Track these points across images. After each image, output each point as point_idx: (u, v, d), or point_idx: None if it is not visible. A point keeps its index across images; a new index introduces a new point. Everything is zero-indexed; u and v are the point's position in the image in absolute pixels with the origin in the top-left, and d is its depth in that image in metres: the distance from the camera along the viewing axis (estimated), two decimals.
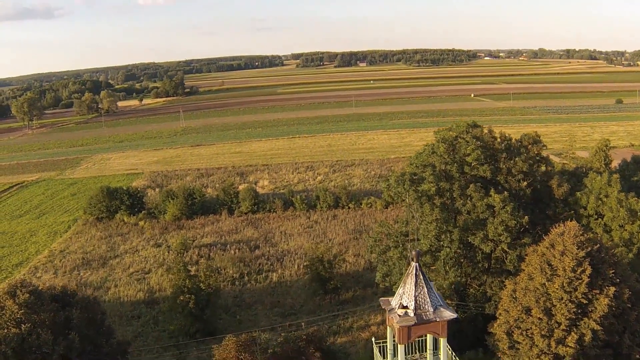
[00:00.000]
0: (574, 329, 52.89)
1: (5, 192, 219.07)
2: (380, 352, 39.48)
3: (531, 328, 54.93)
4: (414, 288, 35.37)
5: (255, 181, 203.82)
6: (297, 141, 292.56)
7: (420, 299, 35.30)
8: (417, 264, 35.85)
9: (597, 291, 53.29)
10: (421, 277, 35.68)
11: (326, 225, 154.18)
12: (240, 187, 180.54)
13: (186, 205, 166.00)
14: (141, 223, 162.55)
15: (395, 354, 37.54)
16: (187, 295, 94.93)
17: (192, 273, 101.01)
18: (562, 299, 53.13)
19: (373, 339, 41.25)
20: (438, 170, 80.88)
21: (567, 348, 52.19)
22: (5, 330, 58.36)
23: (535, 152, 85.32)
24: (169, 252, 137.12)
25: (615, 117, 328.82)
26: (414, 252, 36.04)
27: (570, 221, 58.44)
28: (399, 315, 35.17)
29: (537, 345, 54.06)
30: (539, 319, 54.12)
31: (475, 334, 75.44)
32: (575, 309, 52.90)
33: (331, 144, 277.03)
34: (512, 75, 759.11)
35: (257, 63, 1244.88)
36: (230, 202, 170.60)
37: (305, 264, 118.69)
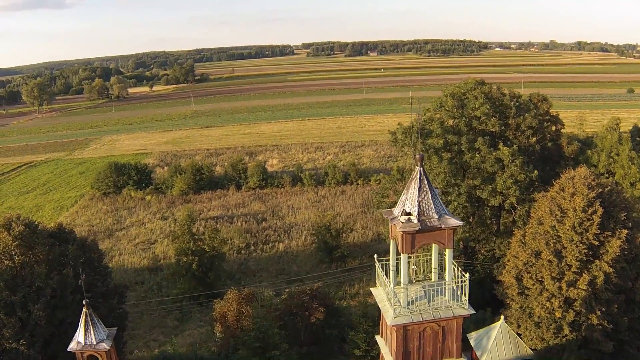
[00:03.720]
0: (586, 272, 51.29)
1: (14, 171, 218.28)
2: (382, 269, 37.96)
3: (541, 271, 53.41)
4: (417, 193, 33.61)
5: (264, 160, 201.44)
6: (307, 123, 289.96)
7: (424, 205, 33.57)
8: (421, 168, 34.01)
9: (609, 233, 51.70)
10: (425, 182, 33.83)
11: (334, 200, 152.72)
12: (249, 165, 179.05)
13: (194, 181, 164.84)
14: (148, 197, 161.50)
15: (398, 270, 36.11)
16: (190, 257, 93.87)
17: (196, 236, 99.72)
18: (572, 240, 51.56)
19: (375, 256, 39.65)
20: (446, 124, 79.29)
21: (579, 290, 50.62)
22: None
23: (545, 110, 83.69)
24: (175, 224, 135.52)
25: (626, 105, 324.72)
26: (417, 156, 34.38)
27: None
28: (402, 222, 33.64)
29: (547, 289, 52.52)
30: (549, 261, 52.59)
31: (484, 296, 73.93)
32: (586, 251, 51.31)
33: (341, 126, 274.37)
34: (523, 65, 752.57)
35: (267, 52, 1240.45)
36: (238, 177, 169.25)
37: (312, 232, 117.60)
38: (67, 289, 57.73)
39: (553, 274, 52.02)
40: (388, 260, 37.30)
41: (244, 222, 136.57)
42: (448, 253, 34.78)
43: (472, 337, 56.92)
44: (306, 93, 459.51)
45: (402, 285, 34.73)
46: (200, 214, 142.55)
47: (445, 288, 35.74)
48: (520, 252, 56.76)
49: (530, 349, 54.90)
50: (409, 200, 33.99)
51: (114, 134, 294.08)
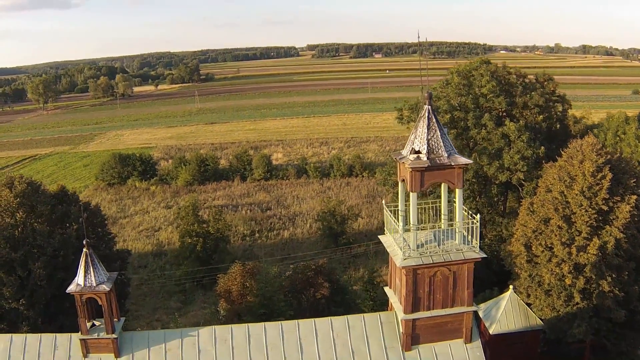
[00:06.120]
0: (596, 237, 50.42)
1: (18, 164, 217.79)
2: (391, 214, 37.03)
3: (550, 238, 52.57)
4: (426, 131, 32.85)
5: (269, 154, 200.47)
6: (312, 120, 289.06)
7: (433, 143, 32.82)
8: (429, 106, 33.44)
9: (618, 198, 50.91)
10: (434, 120, 33.15)
11: (339, 191, 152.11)
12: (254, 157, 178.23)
13: (198, 172, 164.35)
14: (152, 188, 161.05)
15: (407, 217, 35.25)
16: (195, 239, 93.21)
17: (200, 219, 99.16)
18: (581, 205, 50.75)
19: (383, 202, 38.79)
20: (452, 102, 78.41)
21: (589, 255, 49.73)
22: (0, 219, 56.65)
23: (551, 89, 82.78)
24: (179, 209, 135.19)
25: (632, 106, 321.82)
26: (426, 94, 33.70)
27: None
28: (411, 160, 32.83)
29: (556, 255, 51.67)
30: (559, 227, 51.73)
31: (490, 277, 73.11)
32: (595, 216, 50.51)
33: (346, 123, 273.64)
34: (528, 68, 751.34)
35: (272, 54, 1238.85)
36: (243, 169, 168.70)
37: (316, 219, 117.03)
38: (69, 249, 57.14)
39: (563, 240, 51.18)
40: (397, 206, 36.42)
41: (248, 211, 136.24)
42: (458, 194, 34.08)
43: (481, 308, 56.04)
44: (311, 92, 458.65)
45: (411, 227, 33.90)
46: (204, 203, 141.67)
47: (455, 231, 35.04)
48: (529, 220, 55.97)
49: (540, 319, 54.03)
50: (418, 138, 33.30)
51: (119, 130, 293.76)
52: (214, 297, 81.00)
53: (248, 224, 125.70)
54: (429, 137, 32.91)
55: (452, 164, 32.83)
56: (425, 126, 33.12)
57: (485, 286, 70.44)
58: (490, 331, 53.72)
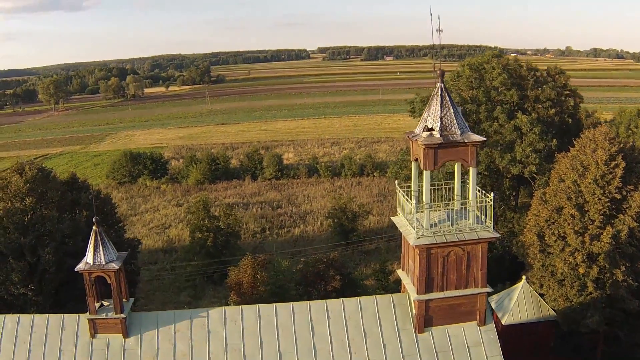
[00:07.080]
0: (609, 226, 49.97)
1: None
2: (404, 195, 36.62)
3: (564, 227, 52.12)
4: (439, 109, 32.59)
5: (280, 154, 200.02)
6: (323, 121, 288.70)
7: (447, 120, 32.53)
8: (442, 84, 33.23)
9: (632, 187, 50.54)
10: (447, 97, 32.94)
11: (350, 190, 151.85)
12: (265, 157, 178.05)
13: (209, 171, 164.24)
14: (163, 186, 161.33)
15: (420, 197, 34.86)
16: (205, 233, 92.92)
17: (211, 214, 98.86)
18: (594, 193, 50.41)
19: (396, 182, 38.41)
20: (464, 95, 78.08)
21: (602, 244, 49.31)
22: (9, 204, 56.44)
23: (563, 82, 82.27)
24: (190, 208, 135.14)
25: None
26: (438, 72, 33.34)
27: None
28: (424, 137, 32.52)
29: (570, 245, 51.23)
30: (572, 216, 51.35)
31: (501, 274, 72.65)
32: (609, 204, 50.14)
33: (357, 124, 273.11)
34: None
35: (283, 56, 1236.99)
36: (254, 168, 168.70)
37: (327, 216, 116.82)
38: (79, 235, 56.95)
39: (576, 229, 50.82)
40: (409, 187, 36.08)
41: (259, 209, 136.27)
42: (472, 173, 33.72)
43: (494, 299, 55.65)
44: (322, 94, 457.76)
45: (424, 206, 33.58)
46: (215, 201, 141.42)
47: (469, 211, 34.66)
48: (542, 209, 55.53)
49: (553, 309, 53.55)
50: (431, 116, 33.03)
51: (130, 130, 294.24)
52: (224, 291, 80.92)
53: (259, 222, 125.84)
54: (442, 115, 32.60)
55: (466, 141, 32.49)
56: (439, 104, 32.83)
57: (498, 281, 70.01)
58: (503, 322, 53.28)
